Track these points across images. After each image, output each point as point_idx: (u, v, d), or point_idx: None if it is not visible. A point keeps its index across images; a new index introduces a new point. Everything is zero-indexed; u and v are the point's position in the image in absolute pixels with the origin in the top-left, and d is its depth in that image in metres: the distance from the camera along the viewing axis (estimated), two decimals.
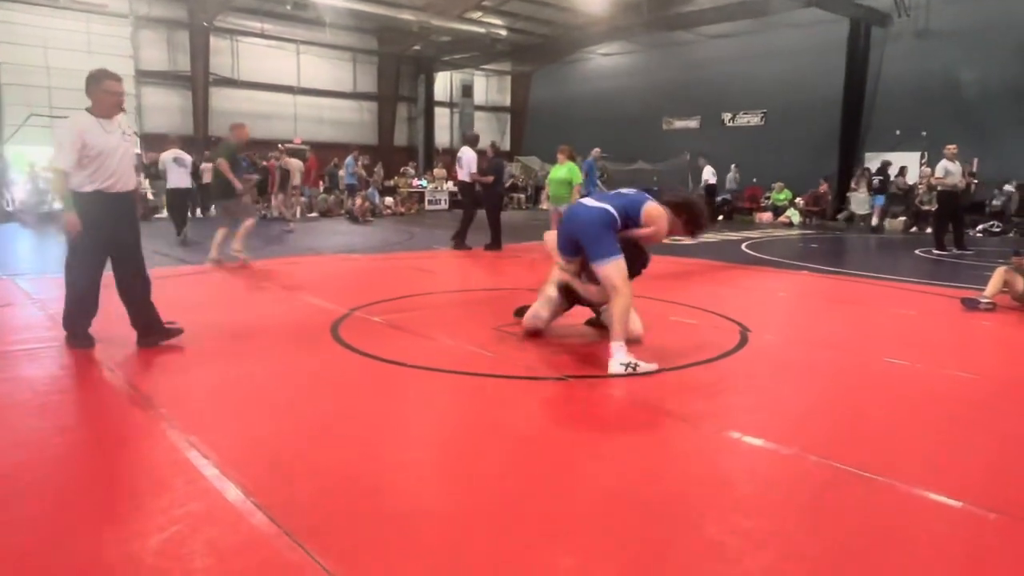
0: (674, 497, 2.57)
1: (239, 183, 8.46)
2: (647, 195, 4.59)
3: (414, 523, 2.33)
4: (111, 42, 18.87)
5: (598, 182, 13.04)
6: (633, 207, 4.44)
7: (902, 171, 16.49)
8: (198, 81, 20.24)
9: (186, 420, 3.26)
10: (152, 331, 4.53)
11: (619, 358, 3.96)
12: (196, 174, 14.48)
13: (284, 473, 2.71)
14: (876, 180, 16.21)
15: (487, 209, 10.93)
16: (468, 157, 10.82)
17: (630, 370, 3.92)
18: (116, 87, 4.38)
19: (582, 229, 4.37)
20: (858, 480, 2.70)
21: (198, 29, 20.05)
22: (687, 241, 4.80)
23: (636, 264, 4.53)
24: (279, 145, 17.56)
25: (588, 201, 4.61)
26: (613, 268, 4.19)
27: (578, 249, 4.48)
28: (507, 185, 18.18)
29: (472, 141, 11.21)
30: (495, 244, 10.63)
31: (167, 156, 11.63)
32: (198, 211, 16.68)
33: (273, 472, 2.72)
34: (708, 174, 17.16)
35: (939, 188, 11.20)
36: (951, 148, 10.88)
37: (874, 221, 15.71)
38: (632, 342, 4.65)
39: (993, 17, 15.98)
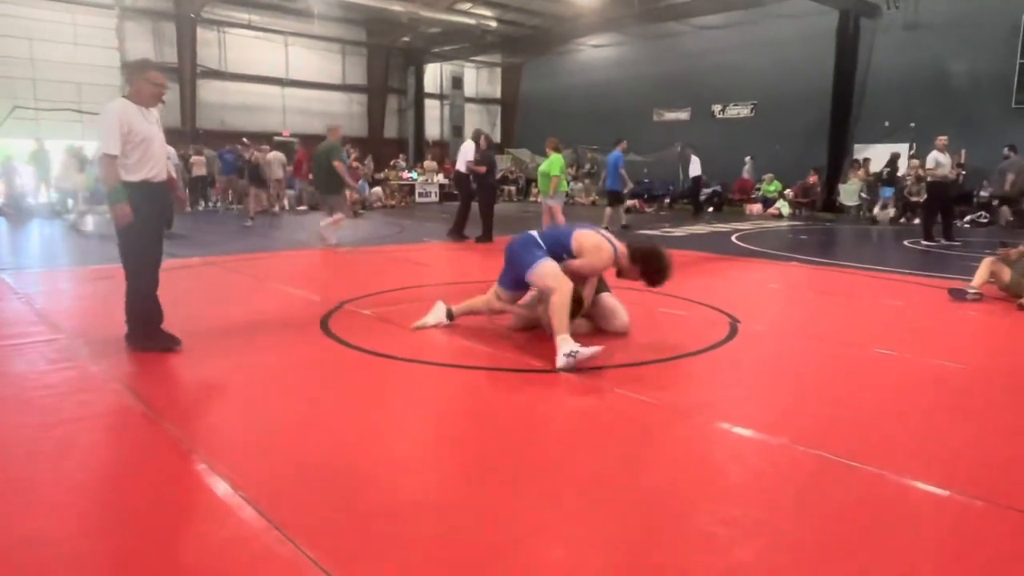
0: (664, 487, 2.58)
1: (350, 181, 9.75)
2: (591, 227, 4.59)
3: (405, 516, 2.33)
4: (97, 34, 18.68)
5: (622, 172, 13.03)
6: (565, 236, 4.47)
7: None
8: (185, 73, 20.06)
9: (174, 414, 3.25)
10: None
11: (563, 350, 3.91)
12: (187, 167, 14.32)
13: (273, 467, 2.70)
14: (885, 172, 15.96)
15: (479, 201, 10.97)
16: (465, 149, 10.95)
17: (572, 358, 3.85)
18: (160, 78, 4.37)
19: (511, 252, 4.50)
20: (847, 470, 2.71)
21: (185, 20, 19.86)
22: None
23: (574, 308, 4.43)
24: (243, 139, 17.36)
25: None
26: (541, 269, 4.23)
27: (519, 280, 4.50)
28: (498, 177, 18.02)
29: (476, 136, 11.30)
30: (486, 236, 10.64)
31: None
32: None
33: (262, 466, 2.71)
34: (695, 166, 17.12)
35: (929, 179, 11.25)
36: (942, 139, 10.91)
37: (876, 211, 15.57)
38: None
39: (981, 9, 16.03)
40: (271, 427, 3.13)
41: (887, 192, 15.86)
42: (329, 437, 3.03)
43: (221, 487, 2.49)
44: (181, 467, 2.69)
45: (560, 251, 4.43)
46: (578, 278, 4.39)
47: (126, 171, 4.15)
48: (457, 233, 10.85)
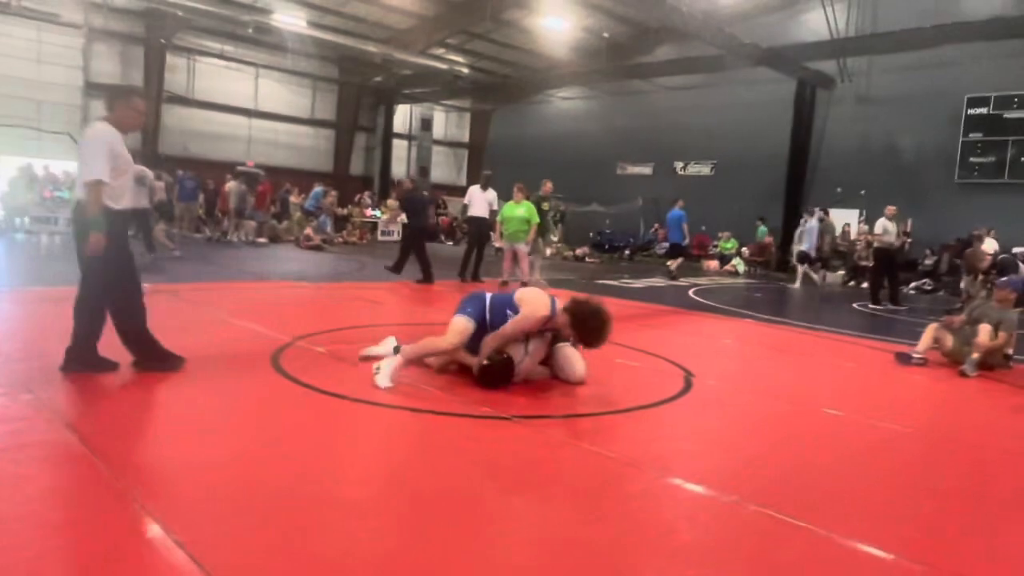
0: (613, 543, 2.54)
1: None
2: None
3: (342, 566, 2.24)
4: (61, 52, 18.40)
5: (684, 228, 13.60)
6: (509, 296, 4.72)
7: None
8: (150, 97, 19.82)
9: (108, 448, 3.09)
10: (151, 356, 4.38)
11: (385, 366, 4.35)
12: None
13: (209, 508, 2.59)
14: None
15: (401, 243, 11.51)
16: (474, 195, 11.24)
17: (376, 371, 4.34)
18: (143, 106, 4.38)
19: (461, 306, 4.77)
20: (795, 530, 2.72)
21: (154, 46, 19.72)
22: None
23: (503, 371, 4.41)
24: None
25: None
26: (456, 320, 4.62)
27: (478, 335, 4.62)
28: (432, 220, 16.75)
29: (484, 181, 11.50)
30: (425, 278, 10.40)
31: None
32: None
33: (198, 507, 2.59)
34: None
35: (876, 245, 11.68)
36: (891, 209, 11.45)
37: (816, 275, 15.07)
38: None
39: (927, 87, 16.96)
40: (211, 465, 3.00)
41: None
42: (271, 478, 2.91)
43: (153, 528, 2.36)
44: (113, 506, 2.56)
45: (506, 307, 4.61)
46: (519, 333, 4.48)
47: (112, 199, 4.08)
48: (469, 275, 11.00)
